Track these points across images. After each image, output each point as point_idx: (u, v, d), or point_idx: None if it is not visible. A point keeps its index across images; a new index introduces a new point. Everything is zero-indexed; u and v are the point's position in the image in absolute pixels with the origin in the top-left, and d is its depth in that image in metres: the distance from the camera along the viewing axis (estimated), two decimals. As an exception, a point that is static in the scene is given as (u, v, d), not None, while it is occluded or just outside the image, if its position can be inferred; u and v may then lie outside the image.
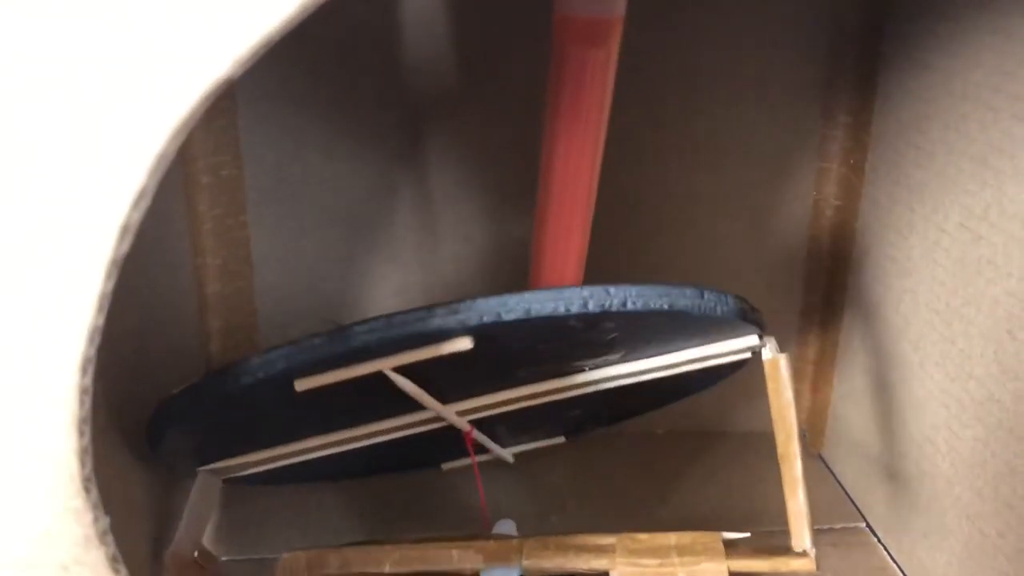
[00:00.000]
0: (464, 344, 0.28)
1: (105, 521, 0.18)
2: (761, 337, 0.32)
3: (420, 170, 0.42)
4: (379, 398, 0.32)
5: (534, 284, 0.36)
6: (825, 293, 0.45)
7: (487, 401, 0.35)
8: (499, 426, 0.39)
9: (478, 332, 0.28)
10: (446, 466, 0.43)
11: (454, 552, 0.31)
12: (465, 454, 0.38)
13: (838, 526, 0.41)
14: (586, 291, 0.27)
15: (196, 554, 0.33)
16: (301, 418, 0.33)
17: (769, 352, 0.32)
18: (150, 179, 0.16)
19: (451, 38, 0.40)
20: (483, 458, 0.41)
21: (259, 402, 0.30)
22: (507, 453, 0.42)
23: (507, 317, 0.27)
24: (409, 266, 0.44)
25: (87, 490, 0.18)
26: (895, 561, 0.39)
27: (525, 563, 0.30)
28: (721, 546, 0.30)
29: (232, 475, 0.37)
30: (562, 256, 0.35)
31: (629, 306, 0.27)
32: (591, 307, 0.27)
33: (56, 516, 0.18)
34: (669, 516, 0.41)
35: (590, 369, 0.34)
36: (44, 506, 0.18)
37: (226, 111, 0.41)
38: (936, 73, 0.35)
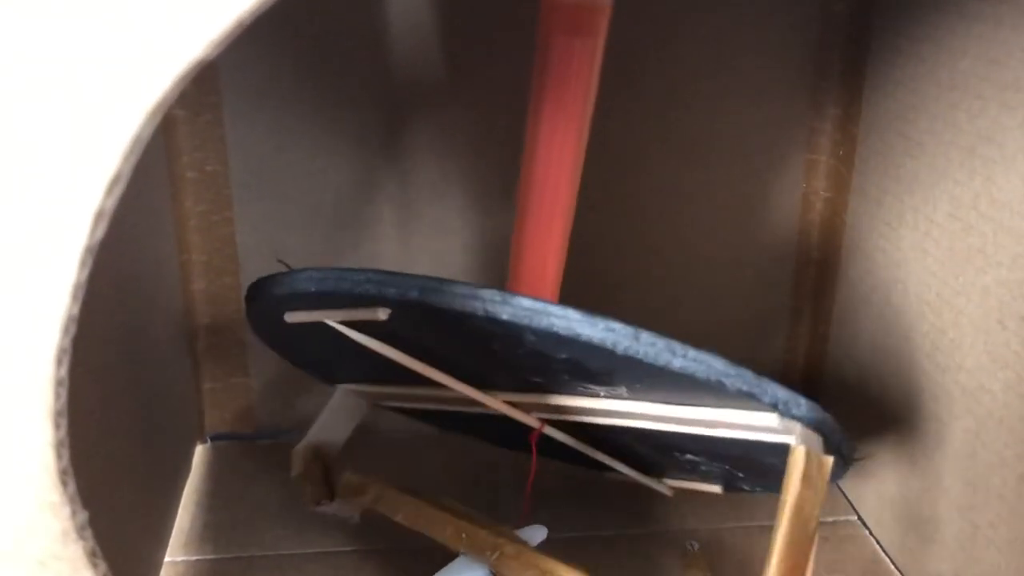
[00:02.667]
0: (380, 315, 0.28)
1: (83, 515, 0.18)
2: (781, 416, 0.27)
3: (405, 165, 0.42)
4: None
5: (513, 274, 0.36)
6: (815, 286, 0.45)
7: (542, 401, 0.33)
8: (637, 447, 0.36)
9: (401, 307, 0.28)
10: (608, 474, 0.40)
11: (448, 527, 0.32)
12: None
13: (830, 519, 0.41)
14: (637, 332, 0.25)
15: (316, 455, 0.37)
16: (368, 363, 0.33)
17: (798, 440, 0.27)
18: (124, 164, 0.15)
19: (436, 34, 0.40)
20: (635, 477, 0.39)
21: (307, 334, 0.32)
22: (659, 483, 0.40)
23: (542, 327, 0.26)
24: (394, 261, 0.43)
25: (64, 483, 0.18)
26: (887, 554, 0.38)
27: (493, 560, 0.31)
28: None
29: (375, 402, 0.39)
30: (542, 249, 0.34)
31: (663, 363, 0.25)
32: (619, 350, 0.25)
33: (32, 511, 0.18)
34: (655, 508, 0.41)
35: (605, 396, 0.32)
36: (19, 501, 0.18)
37: (211, 106, 0.40)
38: (924, 63, 0.35)
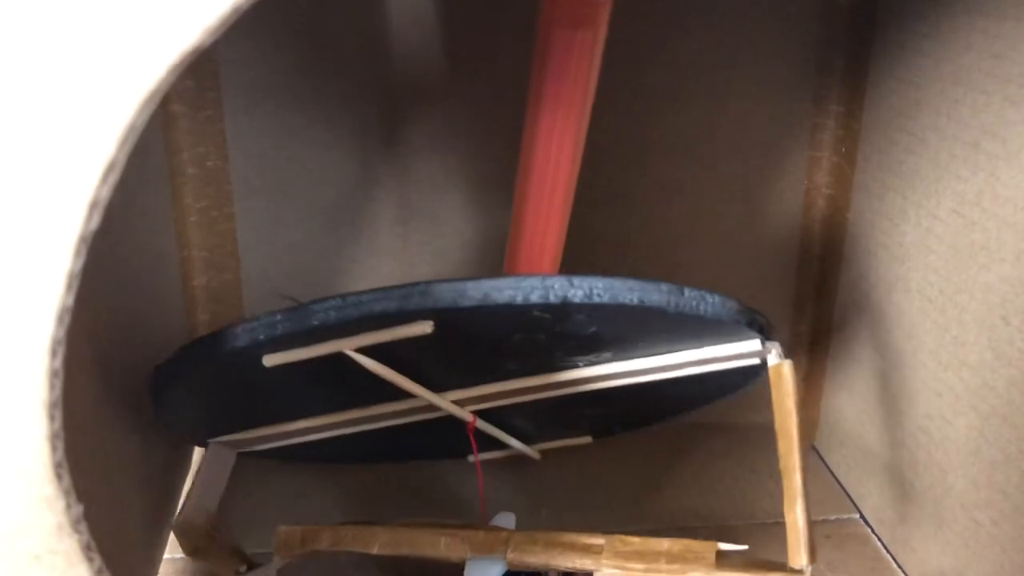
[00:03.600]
0: (424, 328, 0.27)
1: (78, 508, 0.18)
2: (763, 342, 0.31)
3: (406, 161, 0.42)
4: (368, 381, 0.31)
5: (508, 272, 0.36)
6: (817, 283, 0.45)
7: (484, 392, 0.35)
8: (515, 421, 0.38)
9: (438, 317, 0.27)
10: (471, 458, 0.42)
11: (442, 539, 0.30)
12: (490, 447, 0.37)
13: (831, 517, 0.41)
14: (549, 280, 0.26)
15: (206, 523, 0.33)
16: (295, 396, 0.33)
17: (774, 358, 0.31)
18: (119, 152, 0.15)
19: (436, 29, 0.40)
20: (505, 453, 0.41)
21: (243, 376, 0.30)
22: (531, 449, 0.41)
23: (463, 304, 0.27)
24: (395, 257, 0.43)
25: (59, 476, 0.17)
26: (889, 552, 0.38)
27: (510, 556, 0.30)
28: (713, 557, 0.29)
29: (244, 449, 0.36)
30: (539, 245, 0.34)
31: (595, 298, 0.26)
32: (551, 298, 0.26)
33: (27, 504, 0.17)
34: (663, 509, 0.41)
35: (584, 365, 0.33)
36: (13, 494, 0.17)
37: (212, 102, 0.40)
38: (927, 58, 0.35)
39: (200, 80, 0.40)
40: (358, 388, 0.33)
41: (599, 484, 0.43)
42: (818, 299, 0.45)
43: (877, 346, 0.39)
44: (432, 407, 0.35)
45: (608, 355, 0.32)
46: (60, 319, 0.16)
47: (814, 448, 0.46)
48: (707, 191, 0.43)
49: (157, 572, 0.37)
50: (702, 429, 0.47)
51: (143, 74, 0.15)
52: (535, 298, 0.26)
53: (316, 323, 0.27)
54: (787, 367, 0.30)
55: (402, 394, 0.33)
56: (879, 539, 0.39)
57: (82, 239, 0.16)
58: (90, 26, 0.15)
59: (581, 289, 0.27)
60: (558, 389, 0.35)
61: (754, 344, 0.31)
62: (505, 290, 0.26)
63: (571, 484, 0.43)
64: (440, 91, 0.41)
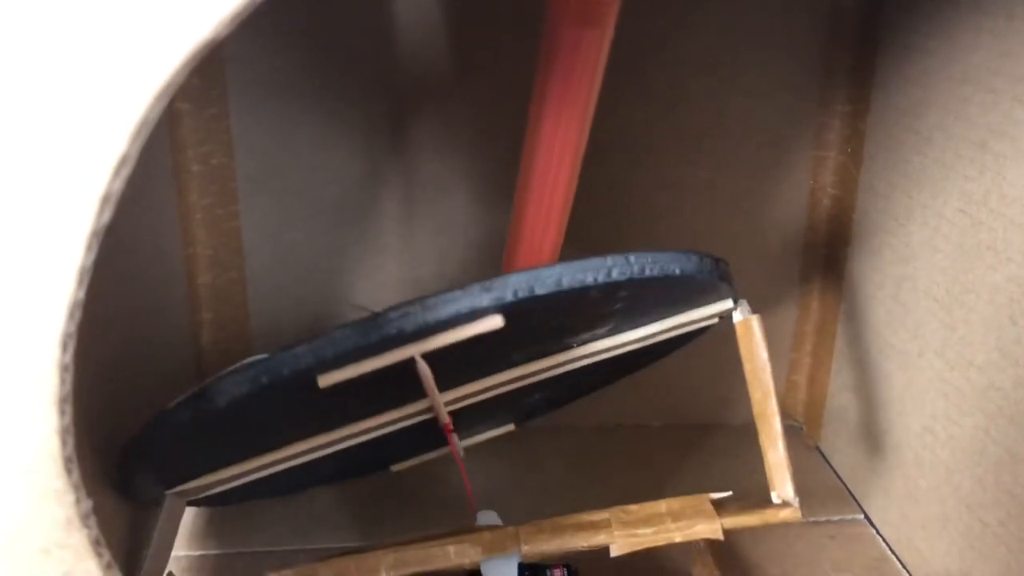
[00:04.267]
0: (496, 323, 0.27)
1: (88, 503, 0.18)
2: (736, 300, 0.33)
3: (411, 160, 0.42)
4: (373, 392, 0.31)
5: (507, 269, 0.36)
6: (822, 282, 0.44)
7: (470, 389, 0.34)
8: (459, 418, 0.38)
9: (510, 309, 0.27)
10: (395, 467, 0.40)
11: (451, 548, 0.30)
12: (420, 451, 0.37)
13: (836, 518, 0.41)
14: (610, 259, 0.27)
15: None
16: (283, 423, 0.32)
17: (741, 314, 0.32)
18: (131, 146, 0.15)
19: (442, 29, 0.40)
20: (437, 454, 0.40)
21: (256, 409, 0.29)
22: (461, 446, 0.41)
23: (540, 291, 0.27)
24: (400, 256, 0.43)
25: (69, 471, 0.17)
26: (894, 552, 0.38)
27: (524, 549, 0.30)
28: (711, 507, 0.30)
29: (195, 496, 0.34)
30: (539, 243, 0.34)
31: (647, 272, 0.28)
32: (615, 275, 0.27)
33: (36, 498, 0.17)
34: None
35: (577, 346, 0.34)
36: (23, 487, 0.17)
37: (217, 99, 0.40)
38: (934, 57, 0.35)
39: (206, 78, 0.40)
40: (355, 402, 0.32)
41: (596, 483, 0.43)
42: (823, 298, 0.44)
43: (882, 346, 0.39)
44: (415, 414, 0.34)
45: (604, 331, 0.33)
46: (71, 313, 0.16)
47: (818, 448, 0.46)
48: (713, 191, 0.43)
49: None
50: (704, 430, 0.47)
51: (156, 68, 0.15)
52: (601, 278, 0.27)
53: (392, 332, 0.26)
54: (755, 321, 0.32)
55: (394, 404, 0.33)
56: (884, 540, 0.39)
57: (94, 233, 0.16)
58: (104, 20, 0.15)
59: (637, 265, 0.28)
60: (542, 374, 0.35)
61: (727, 303, 0.33)
62: (577, 273, 0.27)
63: (570, 482, 0.43)
64: (445, 90, 0.41)
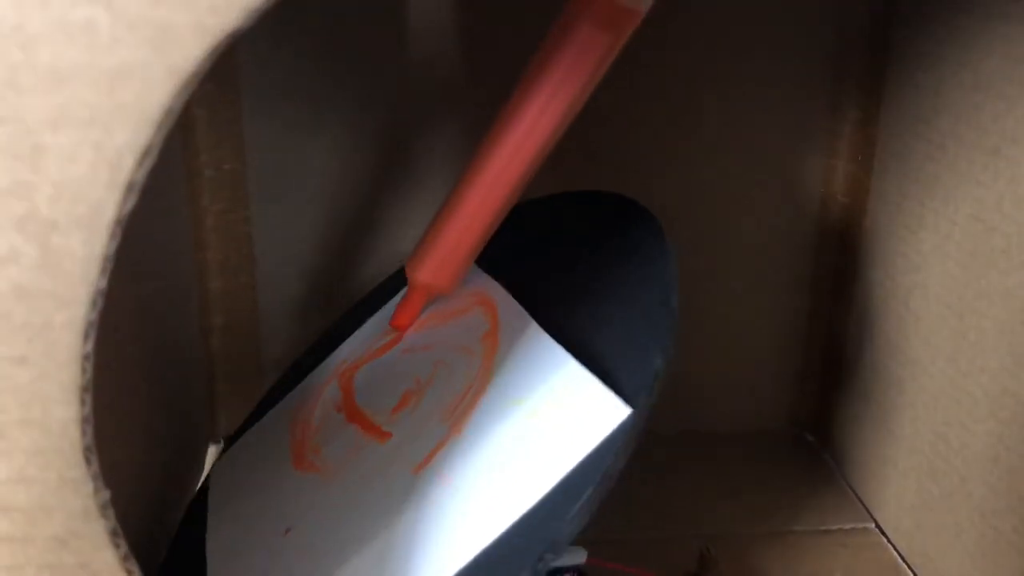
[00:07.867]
0: None
1: (105, 493, 0.18)
2: None
3: (424, 165, 0.42)
4: None
5: (417, 258, 0.33)
6: (833, 290, 0.44)
7: None
8: None
9: None
10: None
11: None
12: None
13: (847, 526, 0.41)
14: None
15: None
16: None
17: None
18: (157, 135, 0.15)
19: (455, 35, 0.40)
20: None
21: None
22: None
23: None
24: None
25: (88, 461, 0.17)
26: (906, 561, 0.38)
27: None
28: None
29: None
30: (456, 241, 0.32)
31: None
32: None
33: (54, 487, 0.17)
34: (672, 513, 0.41)
35: None
36: (41, 476, 0.17)
37: (230, 104, 0.40)
38: (946, 64, 0.35)
39: (219, 83, 0.40)
40: None
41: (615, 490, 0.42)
42: (834, 306, 0.44)
43: (894, 353, 0.39)
44: None
45: None
46: (94, 302, 0.16)
47: (828, 456, 0.46)
48: (721, 198, 0.43)
49: None
50: (714, 438, 0.47)
51: (183, 57, 0.15)
52: None
53: None
54: None
55: None
56: (896, 548, 0.39)
57: (118, 222, 0.16)
58: (130, 8, 0.15)
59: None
60: None
61: None
62: None
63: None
64: (458, 96, 0.41)
